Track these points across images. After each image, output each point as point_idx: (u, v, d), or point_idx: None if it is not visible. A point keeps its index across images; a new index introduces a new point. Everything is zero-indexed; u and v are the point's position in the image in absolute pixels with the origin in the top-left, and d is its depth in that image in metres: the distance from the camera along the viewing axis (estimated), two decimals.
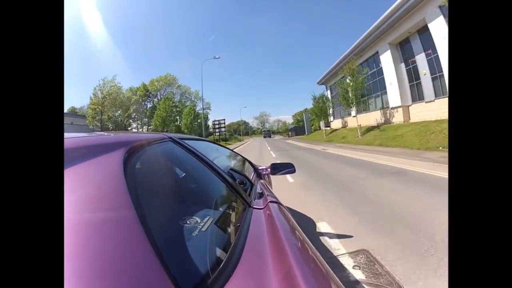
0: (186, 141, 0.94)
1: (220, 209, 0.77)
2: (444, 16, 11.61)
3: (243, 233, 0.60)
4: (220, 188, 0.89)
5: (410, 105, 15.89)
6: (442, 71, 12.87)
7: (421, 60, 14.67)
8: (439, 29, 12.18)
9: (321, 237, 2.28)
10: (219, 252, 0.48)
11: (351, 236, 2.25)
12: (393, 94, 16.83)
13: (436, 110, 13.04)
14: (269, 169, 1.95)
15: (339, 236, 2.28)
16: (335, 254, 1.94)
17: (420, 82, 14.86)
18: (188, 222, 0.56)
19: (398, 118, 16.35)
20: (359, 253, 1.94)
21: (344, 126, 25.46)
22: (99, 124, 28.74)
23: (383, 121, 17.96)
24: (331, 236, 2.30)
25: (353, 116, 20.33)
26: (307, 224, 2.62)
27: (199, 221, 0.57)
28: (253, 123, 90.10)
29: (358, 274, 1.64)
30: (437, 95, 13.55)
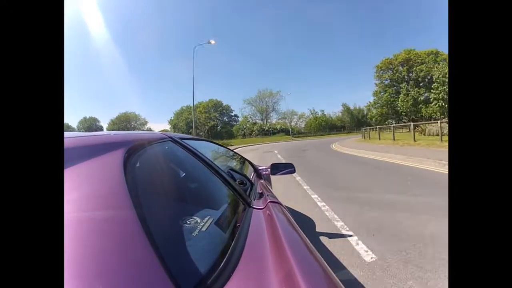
0: (186, 141, 0.94)
1: (220, 209, 0.77)
2: None
3: (243, 233, 0.60)
4: (220, 188, 0.89)
5: None
6: None
7: None
8: None
9: None
10: (219, 252, 0.48)
11: None
12: None
13: None
14: (269, 169, 1.95)
15: None
16: None
17: None
18: (188, 222, 0.56)
19: None
20: None
21: None
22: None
23: None
24: None
25: None
26: None
27: (199, 221, 0.57)
28: (244, 111, 49.15)
29: None
30: None
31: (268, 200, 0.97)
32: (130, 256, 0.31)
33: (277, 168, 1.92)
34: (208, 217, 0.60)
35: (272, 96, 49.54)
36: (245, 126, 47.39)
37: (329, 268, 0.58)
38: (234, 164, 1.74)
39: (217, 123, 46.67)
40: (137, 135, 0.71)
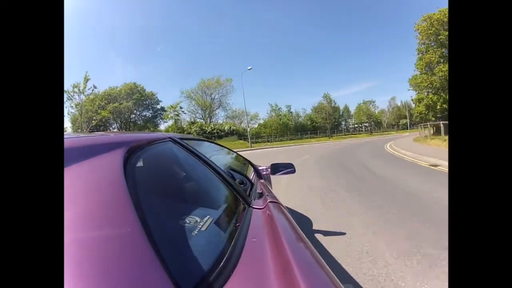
0: (186, 141, 0.94)
1: (220, 209, 0.77)
2: None
3: (243, 233, 0.60)
4: (220, 188, 0.89)
5: None
6: None
7: None
8: None
9: None
10: (219, 251, 0.48)
11: None
12: None
13: None
14: (269, 169, 1.95)
15: None
16: None
17: None
18: (188, 221, 0.56)
19: None
20: None
21: None
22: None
23: None
24: None
25: None
26: None
27: (199, 220, 0.57)
28: (181, 106, 35.98)
29: None
30: None
31: (268, 200, 0.97)
32: (130, 256, 0.31)
33: (277, 168, 1.93)
34: (208, 216, 0.60)
35: (220, 85, 34.17)
36: (179, 126, 31.06)
37: (328, 268, 0.58)
38: (234, 163, 1.74)
39: (128, 118, 31.69)
40: (137, 135, 0.72)
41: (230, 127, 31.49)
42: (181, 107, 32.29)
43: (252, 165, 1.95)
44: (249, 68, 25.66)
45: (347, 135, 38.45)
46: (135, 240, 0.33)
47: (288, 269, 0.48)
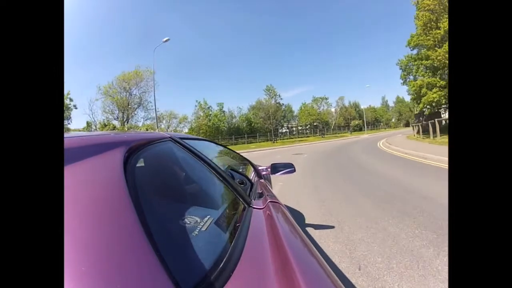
0: (186, 141, 0.94)
1: (220, 209, 0.77)
2: None
3: (243, 233, 0.60)
4: (220, 188, 0.89)
5: None
6: None
7: None
8: None
9: None
10: (219, 252, 0.48)
11: None
12: None
13: None
14: (269, 169, 1.95)
15: None
16: None
17: None
18: (188, 222, 0.56)
19: None
20: None
21: None
22: None
23: None
24: None
25: None
26: None
27: (199, 221, 0.57)
28: (96, 105, 32.16)
29: None
30: None
31: (268, 200, 0.97)
32: (129, 256, 0.31)
33: (277, 168, 1.93)
34: (208, 217, 0.60)
35: (140, 78, 26.21)
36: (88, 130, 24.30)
37: (329, 267, 0.58)
38: (234, 163, 1.74)
39: None
40: (137, 135, 0.71)
41: (147, 130, 23.00)
42: (71, 99, 23.46)
43: (252, 165, 1.95)
44: (164, 39, 17.73)
45: (293, 138, 32.98)
46: (135, 240, 0.33)
47: (289, 269, 0.48)
